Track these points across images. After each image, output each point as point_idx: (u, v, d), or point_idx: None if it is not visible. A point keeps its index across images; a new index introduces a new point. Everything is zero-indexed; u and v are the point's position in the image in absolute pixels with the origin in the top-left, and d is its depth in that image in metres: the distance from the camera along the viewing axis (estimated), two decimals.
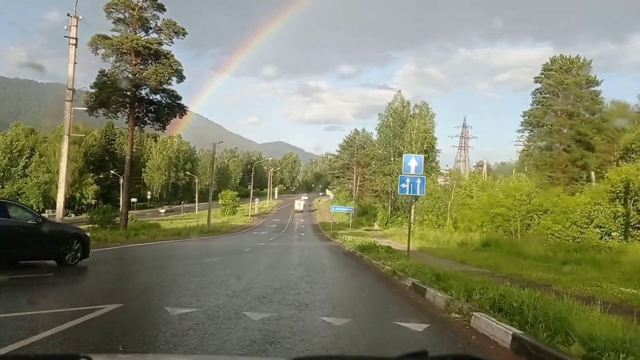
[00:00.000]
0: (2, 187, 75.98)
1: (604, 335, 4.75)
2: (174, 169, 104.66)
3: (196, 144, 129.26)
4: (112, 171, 76.90)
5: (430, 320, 6.66)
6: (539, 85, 58.75)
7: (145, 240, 26.50)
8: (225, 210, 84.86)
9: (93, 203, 73.93)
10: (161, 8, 34.54)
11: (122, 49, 32.94)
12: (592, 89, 55.14)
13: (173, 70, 34.30)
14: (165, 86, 34.61)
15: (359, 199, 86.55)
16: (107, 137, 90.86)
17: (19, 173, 78.96)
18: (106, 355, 3.42)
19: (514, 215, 35.42)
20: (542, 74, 58.09)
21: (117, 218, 35.01)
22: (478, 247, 30.59)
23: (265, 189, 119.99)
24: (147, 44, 33.47)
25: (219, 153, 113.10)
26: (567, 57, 56.71)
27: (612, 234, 30.82)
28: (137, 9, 33.72)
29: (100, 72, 33.45)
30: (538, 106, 58.25)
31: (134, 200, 72.96)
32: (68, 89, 22.10)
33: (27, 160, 79.76)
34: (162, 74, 33.24)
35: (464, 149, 76.40)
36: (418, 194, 15.92)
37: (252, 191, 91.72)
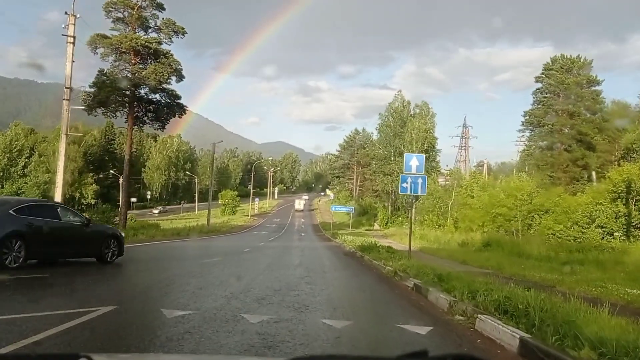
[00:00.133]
0: (2, 187, 75.84)
1: (614, 339, 4.60)
2: (174, 169, 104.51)
3: (196, 144, 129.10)
4: (111, 171, 76.73)
5: (434, 323, 6.50)
6: (539, 85, 58.72)
7: (145, 240, 26.31)
8: (225, 210, 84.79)
9: (92, 203, 73.66)
10: (160, 7, 34.45)
11: (121, 48, 32.83)
12: (593, 88, 55.02)
13: (172, 70, 34.19)
14: (164, 85, 34.55)
15: (359, 199, 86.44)
16: (106, 136, 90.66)
17: (18, 173, 78.82)
18: (106, 355, 3.28)
19: (515, 215, 35.30)
20: (542, 73, 57.97)
21: (116, 218, 34.89)
22: (479, 247, 30.45)
23: (265, 189, 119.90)
24: (147, 43, 33.36)
25: (218, 153, 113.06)
26: (568, 56, 56.59)
27: (614, 234, 30.68)
28: (136, 8, 33.62)
29: (99, 71, 33.37)
30: (539, 106, 58.13)
31: (133, 200, 72.83)
32: (66, 88, 21.95)
33: (26, 160, 79.62)
34: (161, 73, 33.13)
35: (465, 149, 76.31)
36: (419, 193, 15.78)
37: (252, 191, 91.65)
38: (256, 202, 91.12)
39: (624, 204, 31.39)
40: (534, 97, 59.16)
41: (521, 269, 17.05)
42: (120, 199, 44.90)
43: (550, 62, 57.33)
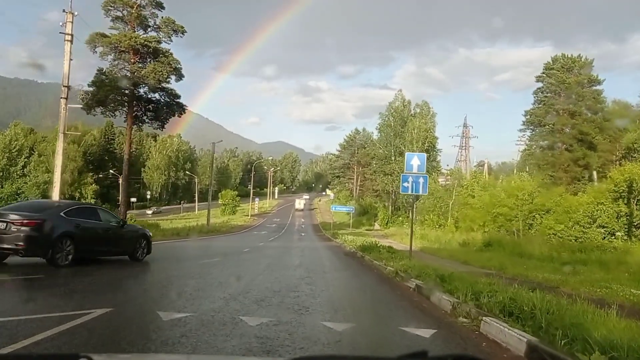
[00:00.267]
0: (1, 187, 75.68)
1: (625, 342, 4.43)
2: (174, 169, 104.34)
3: (196, 144, 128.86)
4: (111, 171, 76.61)
5: (437, 325, 6.33)
6: (540, 84, 58.60)
7: None
8: (225, 210, 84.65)
9: (92, 203, 73.60)
10: (160, 6, 34.32)
11: (121, 47, 32.69)
12: (594, 88, 54.91)
13: (172, 69, 34.05)
14: (164, 85, 34.41)
15: (359, 199, 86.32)
16: (106, 136, 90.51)
17: (17, 172, 78.62)
18: (106, 355, 3.14)
19: (516, 215, 35.15)
20: (543, 73, 57.83)
21: None
22: (480, 247, 30.33)
23: (265, 189, 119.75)
24: (146, 42, 33.22)
25: (218, 153, 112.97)
26: (569, 56, 56.47)
27: (616, 233, 30.50)
28: (135, 6, 33.48)
29: (98, 70, 33.25)
30: (539, 105, 57.98)
31: (133, 199, 72.70)
32: (63, 86, 21.79)
33: (26, 159, 79.43)
34: (160, 72, 32.99)
35: (465, 149, 75.96)
36: (421, 192, 15.62)
37: (252, 191, 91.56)
38: (256, 202, 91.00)
39: (625, 204, 31.22)
40: (534, 97, 59.14)
41: (524, 269, 16.90)
42: (120, 198, 44.77)
43: (551, 62, 57.20)
